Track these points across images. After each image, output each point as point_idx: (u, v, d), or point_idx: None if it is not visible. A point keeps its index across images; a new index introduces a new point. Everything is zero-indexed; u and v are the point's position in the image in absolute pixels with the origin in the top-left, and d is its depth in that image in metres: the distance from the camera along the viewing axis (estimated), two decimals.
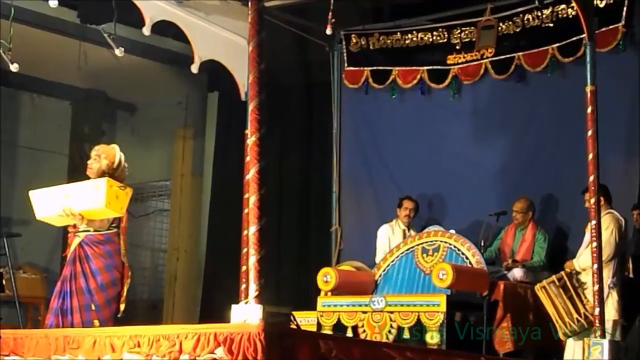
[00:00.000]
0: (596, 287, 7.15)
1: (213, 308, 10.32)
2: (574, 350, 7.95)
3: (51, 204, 7.24)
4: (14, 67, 8.51)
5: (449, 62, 10.15)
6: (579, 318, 7.74)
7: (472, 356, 6.74)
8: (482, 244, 8.94)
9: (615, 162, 8.72)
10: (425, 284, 8.69)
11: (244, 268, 8.00)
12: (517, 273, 8.80)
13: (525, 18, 9.62)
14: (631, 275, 8.31)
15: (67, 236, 7.50)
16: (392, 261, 9.12)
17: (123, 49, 9.15)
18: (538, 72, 9.59)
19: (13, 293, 10.47)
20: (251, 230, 5.69)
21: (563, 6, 9.27)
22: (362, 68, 10.72)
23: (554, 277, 7.95)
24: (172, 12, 9.51)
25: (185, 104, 13.10)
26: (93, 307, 7.07)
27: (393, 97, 10.57)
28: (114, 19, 9.03)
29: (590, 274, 7.56)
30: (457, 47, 10.10)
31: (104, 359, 5.92)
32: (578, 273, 7.96)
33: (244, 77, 9.43)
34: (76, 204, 7.10)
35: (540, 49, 9.51)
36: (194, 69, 9.83)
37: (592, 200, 7.23)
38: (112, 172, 7.22)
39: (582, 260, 7.93)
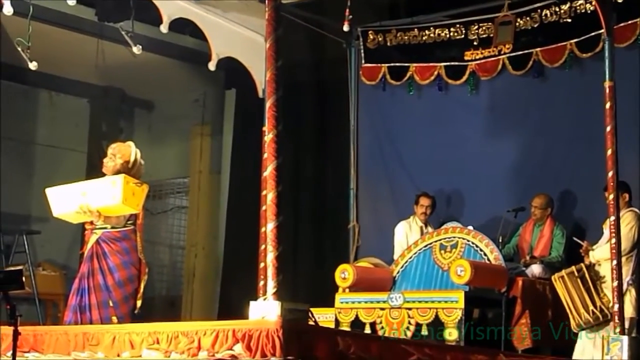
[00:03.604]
0: (615, 283, 7.12)
1: (231, 305, 10.32)
2: (584, 347, 7.92)
3: (68, 201, 7.27)
4: (32, 65, 8.53)
5: (466, 58, 10.12)
6: (595, 310, 7.73)
7: (490, 352, 6.71)
8: (500, 240, 8.91)
9: (633, 159, 8.67)
10: (444, 281, 8.68)
11: (262, 265, 8.01)
12: (535, 269, 8.78)
13: (543, 13, 9.58)
14: None
15: (84, 233, 7.53)
16: (410, 258, 9.12)
17: (141, 47, 9.16)
18: (556, 67, 9.55)
19: (33, 290, 10.56)
20: (269, 227, 5.71)
21: (581, 1, 9.24)
22: (379, 64, 10.69)
23: (573, 268, 7.94)
24: (189, 9, 9.53)
25: (203, 101, 13.11)
26: (111, 304, 7.11)
27: (410, 93, 10.54)
28: (132, 17, 9.03)
29: (608, 268, 7.52)
30: (475, 43, 10.07)
31: (123, 356, 5.95)
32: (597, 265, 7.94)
33: (261, 74, 9.41)
34: (93, 201, 7.13)
35: (558, 44, 9.47)
36: (212, 66, 9.84)
37: (611, 197, 7.20)
38: (128, 171, 7.24)
39: (597, 252, 7.92)
